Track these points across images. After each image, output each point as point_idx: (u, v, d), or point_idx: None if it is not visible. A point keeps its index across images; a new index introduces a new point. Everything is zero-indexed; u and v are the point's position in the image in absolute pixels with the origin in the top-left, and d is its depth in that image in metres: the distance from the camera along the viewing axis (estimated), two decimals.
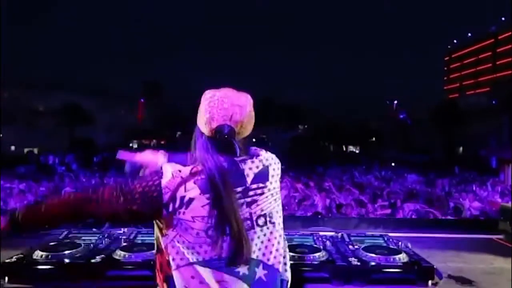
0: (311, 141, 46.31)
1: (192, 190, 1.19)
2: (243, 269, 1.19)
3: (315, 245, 2.02)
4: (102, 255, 1.84)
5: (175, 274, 1.19)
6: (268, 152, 1.34)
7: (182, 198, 1.19)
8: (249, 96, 1.31)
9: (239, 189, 1.23)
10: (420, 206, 5.53)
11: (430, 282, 1.75)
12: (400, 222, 3.02)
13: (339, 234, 2.25)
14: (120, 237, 2.14)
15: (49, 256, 1.81)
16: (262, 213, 1.24)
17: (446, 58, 78.47)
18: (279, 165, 1.34)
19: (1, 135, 32.91)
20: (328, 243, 2.10)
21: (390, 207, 6.62)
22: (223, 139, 1.23)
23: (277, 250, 1.26)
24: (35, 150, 33.01)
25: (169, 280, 1.21)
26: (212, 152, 1.24)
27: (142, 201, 1.19)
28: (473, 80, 66.11)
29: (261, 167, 1.28)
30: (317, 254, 1.86)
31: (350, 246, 2.04)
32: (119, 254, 1.84)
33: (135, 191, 1.20)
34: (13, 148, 34.79)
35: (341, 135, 49.78)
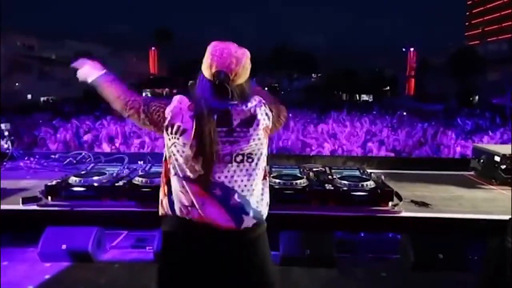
0: (324, 90, 45.85)
1: (186, 122, 1.48)
2: (217, 191, 1.48)
3: (299, 175, 2.40)
4: (124, 181, 2.27)
5: (172, 180, 1.54)
6: (263, 103, 1.56)
7: (179, 126, 1.48)
8: (247, 51, 1.57)
9: (224, 128, 1.48)
10: None
11: (390, 203, 2.14)
12: (384, 161, 3.37)
13: (323, 168, 2.63)
14: (137, 168, 2.57)
15: (82, 181, 2.24)
16: (241, 152, 1.50)
17: (469, 2, 74.54)
18: (268, 117, 1.55)
19: (17, 84, 33.56)
20: (311, 174, 2.50)
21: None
22: (218, 83, 1.50)
23: (251, 184, 1.52)
24: (52, 99, 33.71)
25: (169, 183, 1.56)
26: (208, 93, 1.51)
27: (153, 118, 1.56)
28: (497, 25, 63.16)
29: (248, 114, 1.51)
30: (299, 181, 2.26)
31: (329, 176, 2.42)
32: (138, 180, 2.26)
33: (152, 108, 1.56)
34: (29, 96, 35.46)
35: (354, 83, 49.14)
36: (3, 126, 3.11)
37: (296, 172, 2.50)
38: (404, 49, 55.11)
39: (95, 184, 2.22)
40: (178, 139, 1.49)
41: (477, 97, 40.31)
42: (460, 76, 39.30)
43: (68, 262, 3.40)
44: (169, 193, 1.57)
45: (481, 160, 2.89)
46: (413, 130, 12.65)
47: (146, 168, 2.57)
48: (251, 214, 1.52)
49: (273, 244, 3.30)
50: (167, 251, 1.60)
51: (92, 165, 2.70)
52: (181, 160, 1.50)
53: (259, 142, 1.53)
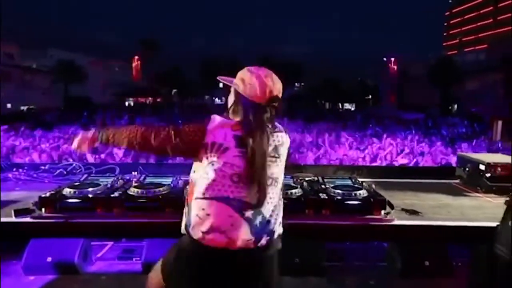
0: (307, 99, 46.27)
1: (229, 141, 1.50)
2: (248, 213, 1.51)
3: (293, 184, 2.44)
4: (120, 192, 2.26)
5: (193, 203, 1.56)
6: (284, 132, 1.66)
7: (220, 145, 1.50)
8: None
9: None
10: None
11: (382, 212, 2.19)
12: (373, 169, 3.45)
13: (315, 177, 2.68)
14: (131, 179, 2.57)
15: (76, 192, 2.22)
16: (272, 176, 1.58)
17: (447, 13, 76.74)
18: (289, 147, 1.67)
19: None
20: (305, 183, 2.54)
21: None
22: (273, 107, 1.58)
23: (274, 206, 1.60)
24: (32, 108, 33.09)
25: (190, 205, 1.58)
26: (260, 116, 1.54)
27: (188, 138, 1.54)
28: (474, 36, 65.13)
29: (278, 141, 1.61)
30: (294, 191, 2.29)
31: (322, 186, 2.47)
32: (133, 191, 2.25)
33: (185, 130, 1.55)
34: (9, 105, 34.73)
35: (337, 93, 49.82)
36: None
37: (290, 181, 2.53)
38: (385, 59, 56.20)
39: (90, 196, 2.20)
40: (218, 157, 1.51)
41: (456, 106, 41.30)
42: (439, 85, 40.23)
43: (53, 274, 3.33)
44: (189, 215, 1.58)
45: (467, 169, 2.98)
46: (396, 138, 12.93)
47: (141, 179, 2.57)
48: (268, 235, 1.59)
49: None
50: (180, 268, 1.62)
51: (85, 176, 2.68)
52: (217, 179, 1.51)
53: (282, 168, 1.64)
